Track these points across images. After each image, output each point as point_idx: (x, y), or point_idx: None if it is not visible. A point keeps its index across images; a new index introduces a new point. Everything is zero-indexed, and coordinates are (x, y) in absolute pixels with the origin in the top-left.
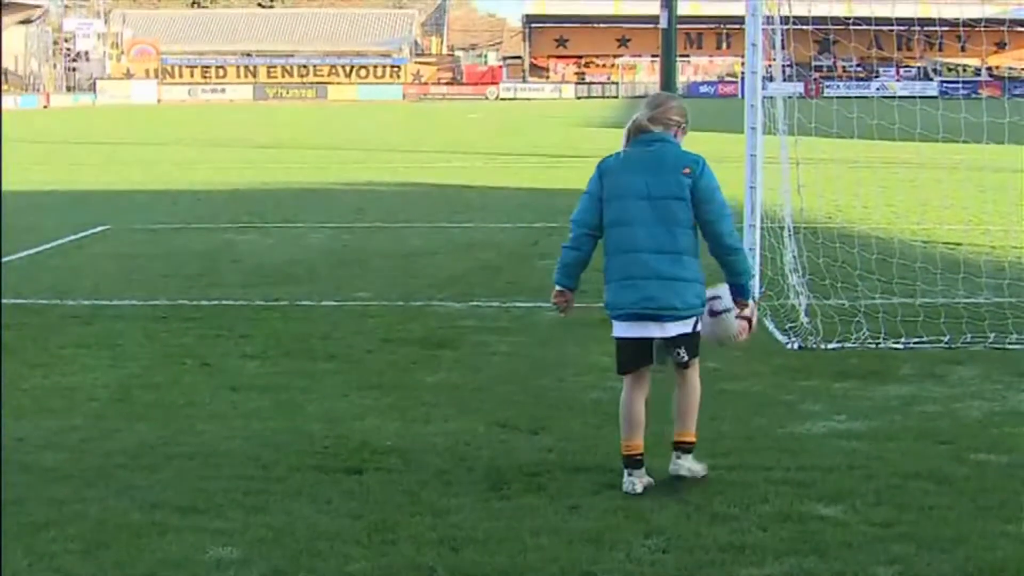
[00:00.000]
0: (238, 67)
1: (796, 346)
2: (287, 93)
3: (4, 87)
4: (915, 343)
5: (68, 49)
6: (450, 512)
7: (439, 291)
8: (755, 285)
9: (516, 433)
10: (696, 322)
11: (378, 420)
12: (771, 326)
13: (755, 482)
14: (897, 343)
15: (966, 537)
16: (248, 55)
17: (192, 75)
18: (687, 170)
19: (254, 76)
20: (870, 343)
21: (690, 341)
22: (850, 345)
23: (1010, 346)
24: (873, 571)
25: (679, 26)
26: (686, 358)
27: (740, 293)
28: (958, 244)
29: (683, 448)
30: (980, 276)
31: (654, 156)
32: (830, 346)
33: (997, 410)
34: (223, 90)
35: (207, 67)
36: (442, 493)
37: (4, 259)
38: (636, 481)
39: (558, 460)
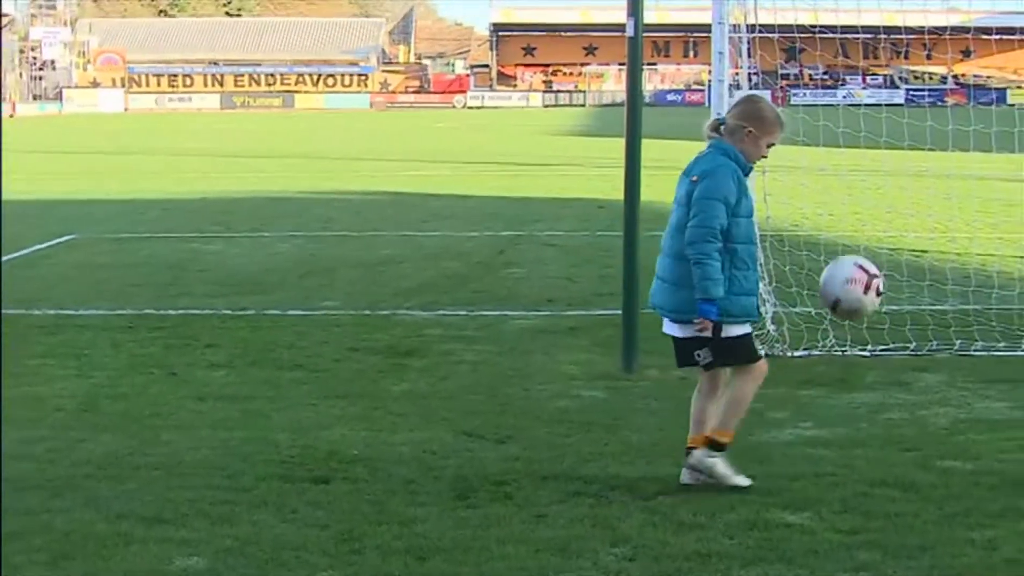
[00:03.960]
0: (205, 76)
1: (763, 354)
2: (254, 102)
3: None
4: (881, 351)
5: (34, 58)
6: (416, 521)
7: (406, 300)
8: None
9: (483, 442)
10: (713, 328)
11: (345, 429)
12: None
13: (721, 490)
14: (863, 351)
15: (932, 544)
16: (215, 64)
17: (159, 84)
18: (694, 178)
19: (221, 85)
20: (836, 351)
21: (714, 345)
22: (816, 353)
23: (975, 353)
24: None
25: (646, 34)
26: (707, 359)
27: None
28: (924, 251)
29: (708, 443)
30: (946, 283)
31: (691, 163)
32: (796, 354)
33: (963, 417)
34: (190, 99)
35: (174, 76)
36: (408, 502)
37: None
38: (685, 472)
39: (525, 469)
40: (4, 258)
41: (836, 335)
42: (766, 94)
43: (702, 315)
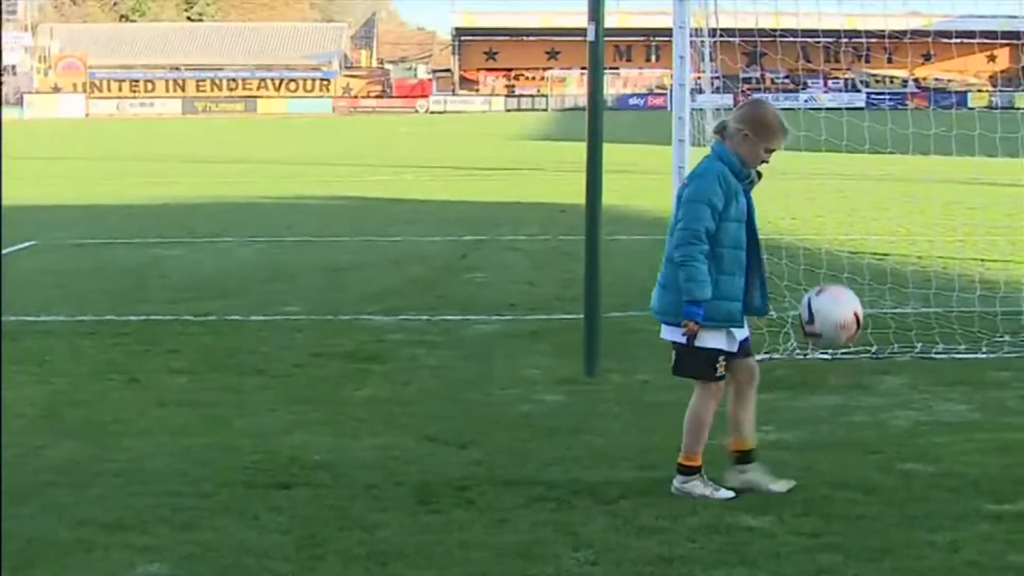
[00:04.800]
0: (167, 81)
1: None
2: (216, 107)
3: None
4: (843, 353)
5: None
6: (378, 527)
7: (368, 305)
8: None
9: (445, 447)
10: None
11: (307, 435)
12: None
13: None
14: (825, 353)
15: (893, 547)
16: (177, 69)
17: (120, 89)
18: (686, 182)
19: (183, 90)
20: (798, 354)
21: (678, 351)
22: (778, 356)
23: (936, 356)
24: None
25: (608, 39)
26: (672, 364)
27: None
28: (885, 255)
29: (677, 468)
30: (907, 286)
31: None
32: (758, 357)
33: (924, 420)
34: (152, 104)
35: (135, 81)
36: (371, 508)
37: None
38: (730, 475)
39: (487, 474)
40: None
41: (797, 339)
42: (728, 98)
43: (687, 317)
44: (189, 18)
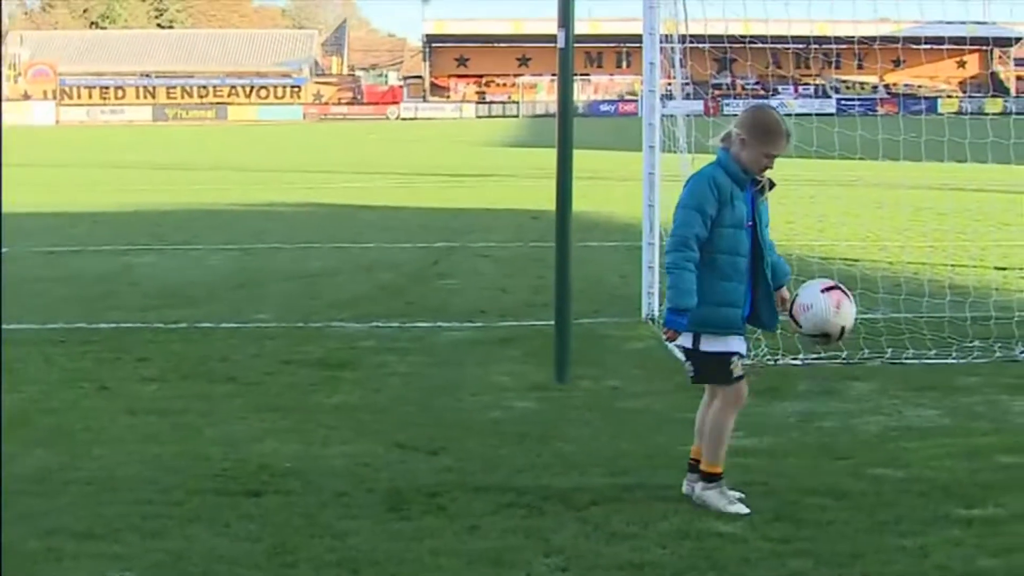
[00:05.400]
0: (137, 88)
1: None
2: (187, 114)
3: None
4: (813, 359)
5: None
6: (349, 534)
7: (339, 312)
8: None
9: (415, 454)
10: (693, 338)
11: (277, 442)
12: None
13: (655, 500)
14: (795, 359)
15: (863, 552)
16: (147, 76)
17: (91, 96)
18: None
19: (153, 97)
20: (768, 360)
21: (689, 358)
22: (748, 362)
23: (906, 361)
24: None
25: (579, 45)
26: (690, 373)
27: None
28: (855, 260)
29: (691, 467)
30: (877, 292)
31: None
32: None
33: (894, 425)
34: (122, 111)
35: (106, 88)
36: (341, 515)
37: None
38: (685, 483)
39: (457, 480)
40: None
41: (768, 344)
42: (698, 104)
43: (668, 325)
44: (160, 25)
